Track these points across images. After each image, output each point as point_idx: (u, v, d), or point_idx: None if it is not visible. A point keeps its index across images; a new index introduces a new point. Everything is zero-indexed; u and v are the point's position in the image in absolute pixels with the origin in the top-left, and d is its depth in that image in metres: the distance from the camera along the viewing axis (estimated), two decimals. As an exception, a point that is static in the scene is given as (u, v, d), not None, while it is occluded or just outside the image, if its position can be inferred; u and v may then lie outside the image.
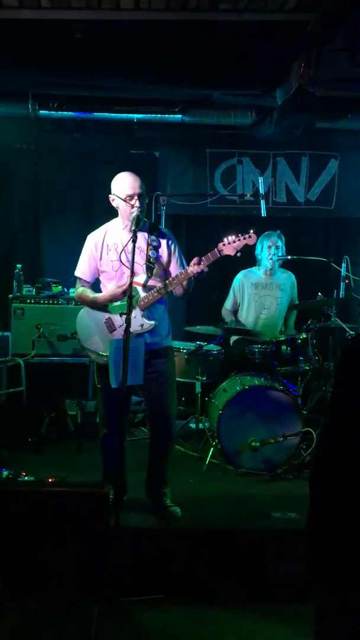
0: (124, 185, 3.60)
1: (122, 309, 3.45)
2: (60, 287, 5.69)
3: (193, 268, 3.46)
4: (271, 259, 5.24)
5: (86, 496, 3.16)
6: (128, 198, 3.57)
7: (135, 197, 3.56)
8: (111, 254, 3.69)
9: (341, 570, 1.42)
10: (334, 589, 1.43)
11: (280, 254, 5.27)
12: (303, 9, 3.63)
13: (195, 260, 3.47)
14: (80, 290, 3.78)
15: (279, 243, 5.26)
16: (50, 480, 3.82)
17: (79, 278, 3.81)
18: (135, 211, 3.53)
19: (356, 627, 1.39)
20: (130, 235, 3.46)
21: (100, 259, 3.72)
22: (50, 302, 5.56)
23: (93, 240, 3.75)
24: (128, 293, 3.29)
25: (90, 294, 3.74)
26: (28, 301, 5.54)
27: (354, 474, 1.42)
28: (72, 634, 2.96)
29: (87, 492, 3.19)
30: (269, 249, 5.23)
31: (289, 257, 5.31)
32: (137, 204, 3.56)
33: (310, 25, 3.79)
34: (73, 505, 3.13)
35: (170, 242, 3.73)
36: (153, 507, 3.75)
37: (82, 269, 3.78)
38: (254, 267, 5.41)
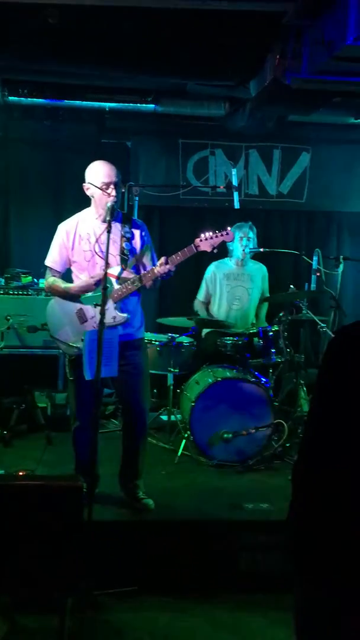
0: (100, 174, 3.54)
1: (96, 300, 3.39)
2: (29, 277, 5.60)
3: (160, 268, 3.43)
4: (243, 250, 5.25)
5: (60, 489, 3.11)
6: (104, 186, 3.51)
7: (112, 186, 3.51)
8: (83, 243, 3.63)
9: (326, 558, 1.42)
10: (318, 578, 1.43)
11: (251, 245, 5.29)
12: (280, 0, 3.61)
13: (162, 259, 3.44)
14: (51, 280, 3.71)
15: (251, 234, 5.28)
16: (20, 473, 3.78)
17: (50, 268, 3.73)
18: (111, 200, 3.48)
19: (341, 615, 1.39)
20: (104, 225, 3.42)
21: (72, 248, 3.65)
22: (20, 292, 5.46)
23: (65, 229, 3.69)
24: (102, 284, 3.24)
25: (61, 283, 3.67)
26: (-3, 292, 5.44)
27: (338, 464, 1.42)
28: (46, 628, 2.93)
29: (60, 485, 3.14)
30: (241, 240, 5.24)
31: (261, 249, 5.33)
32: (114, 192, 3.51)
33: (287, 17, 3.77)
34: (46, 498, 3.08)
35: (143, 233, 3.69)
36: (126, 499, 3.73)
37: (53, 259, 3.71)
38: (225, 258, 5.42)
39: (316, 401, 1.54)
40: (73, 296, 3.63)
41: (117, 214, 3.59)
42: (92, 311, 3.54)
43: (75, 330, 3.63)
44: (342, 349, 1.50)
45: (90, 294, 3.58)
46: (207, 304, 5.48)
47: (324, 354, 1.56)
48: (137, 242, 3.65)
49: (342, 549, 1.41)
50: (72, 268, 3.72)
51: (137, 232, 3.66)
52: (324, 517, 1.44)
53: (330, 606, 1.43)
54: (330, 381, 1.50)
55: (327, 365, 1.52)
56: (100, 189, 3.52)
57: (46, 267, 3.76)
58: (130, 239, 3.62)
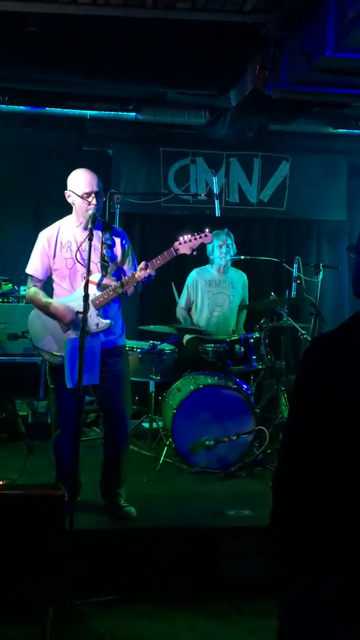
0: (81, 182, 3.54)
1: (77, 309, 3.39)
2: (10, 285, 5.57)
3: (140, 273, 3.44)
4: (224, 257, 5.28)
5: (41, 498, 3.09)
6: (85, 195, 3.51)
7: (93, 195, 3.51)
8: (64, 251, 3.62)
9: (308, 563, 1.43)
10: (301, 583, 1.45)
11: (231, 252, 5.33)
12: (260, 11, 3.65)
13: (142, 264, 3.45)
14: (32, 291, 3.69)
15: (229, 241, 5.34)
16: (1, 482, 3.75)
17: (31, 275, 3.71)
18: (91, 209, 3.48)
19: (326, 620, 1.41)
20: (85, 232, 3.42)
21: (54, 256, 3.64)
22: (0, 300, 5.44)
23: (46, 236, 3.67)
24: (85, 292, 3.23)
25: (42, 297, 3.65)
26: (-23, 299, 5.41)
27: (317, 471, 1.44)
28: (27, 638, 2.90)
29: (41, 494, 3.12)
30: (220, 248, 5.29)
31: (241, 257, 5.37)
32: (94, 201, 3.51)
33: (267, 28, 3.82)
34: (27, 507, 3.07)
35: (124, 241, 3.69)
36: (107, 507, 3.72)
37: (34, 267, 3.69)
38: (207, 265, 5.45)
39: (293, 409, 1.56)
40: (50, 313, 3.60)
41: (98, 221, 3.57)
42: (73, 311, 3.53)
43: (58, 339, 3.61)
44: (316, 357, 1.52)
45: (71, 302, 3.56)
46: (188, 310, 5.50)
47: (299, 363, 1.58)
48: (117, 250, 3.66)
49: (324, 553, 1.43)
50: (53, 276, 3.70)
51: (117, 240, 3.66)
52: (305, 522, 1.46)
53: (313, 612, 1.44)
54: (306, 389, 1.52)
55: (303, 374, 1.55)
56: (82, 197, 3.52)
57: (27, 274, 3.74)
58: (111, 246, 3.61)
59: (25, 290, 5.30)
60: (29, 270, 3.71)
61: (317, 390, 1.47)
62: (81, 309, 3.23)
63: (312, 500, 1.44)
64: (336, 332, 1.51)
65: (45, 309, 3.61)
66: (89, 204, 3.50)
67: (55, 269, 3.66)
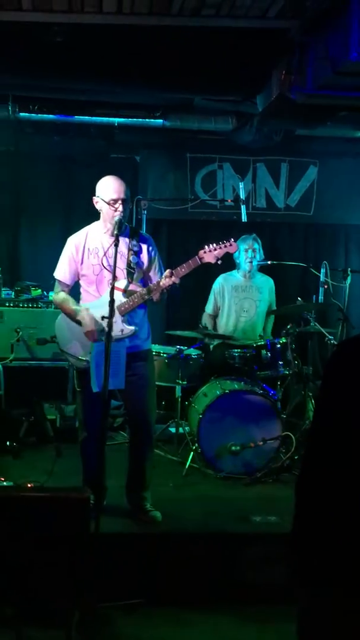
0: (109, 189, 3.58)
1: (103, 314, 3.42)
2: (39, 290, 5.64)
3: (165, 281, 3.46)
4: (250, 261, 5.28)
5: (66, 501, 3.12)
6: (112, 202, 3.55)
7: (119, 202, 3.55)
8: (92, 257, 3.67)
9: (331, 571, 1.43)
10: (321, 590, 1.44)
11: (258, 257, 5.33)
12: (285, 17, 3.66)
13: (167, 272, 3.48)
14: (61, 296, 3.74)
15: (256, 246, 5.33)
16: (29, 485, 3.79)
17: (59, 281, 3.77)
18: (117, 215, 3.52)
19: (344, 626, 1.40)
20: (112, 239, 3.46)
21: (82, 262, 3.69)
22: (30, 305, 5.51)
23: (74, 243, 3.72)
24: (110, 297, 3.25)
25: (72, 305, 3.70)
26: (7, 304, 5.48)
27: (340, 476, 1.44)
28: (52, 640, 2.94)
29: (67, 497, 3.15)
30: (246, 252, 5.29)
31: (268, 262, 5.36)
32: (121, 208, 3.55)
33: (292, 33, 3.82)
34: (53, 510, 3.10)
35: (150, 247, 3.72)
36: (133, 511, 3.73)
37: (62, 272, 3.74)
38: (233, 271, 5.46)
39: (317, 413, 1.55)
40: (77, 321, 3.64)
41: (124, 227, 3.62)
42: (100, 325, 3.57)
43: (84, 343, 3.65)
44: (341, 361, 1.52)
45: (98, 308, 3.58)
46: (215, 316, 5.51)
47: (324, 368, 1.58)
48: (144, 256, 3.69)
49: (346, 560, 1.42)
50: (81, 281, 3.76)
51: (144, 246, 3.69)
52: (328, 529, 1.45)
53: (334, 619, 1.43)
54: (331, 393, 1.51)
55: (328, 379, 1.54)
56: (108, 203, 3.56)
57: (55, 279, 3.79)
58: (137, 253, 3.65)
59: (53, 295, 5.45)
60: (57, 275, 3.76)
61: (342, 394, 1.47)
62: (107, 314, 3.24)
63: (335, 506, 1.44)
64: None
65: (73, 316, 3.66)
66: (116, 210, 3.54)
67: (83, 275, 3.71)
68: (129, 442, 3.89)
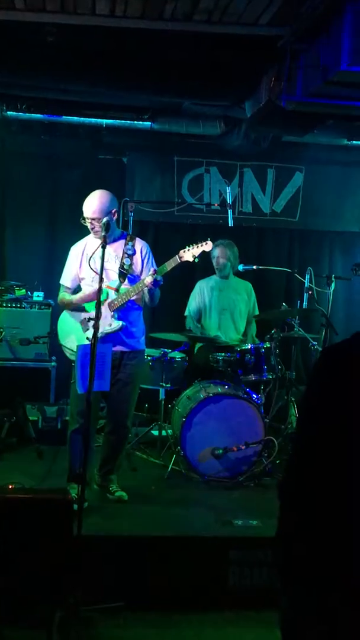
0: (84, 207, 3.85)
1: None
2: (23, 290, 5.62)
3: (148, 278, 3.77)
4: (219, 269, 5.44)
5: (49, 503, 3.12)
6: (87, 219, 3.83)
7: (89, 220, 3.82)
8: (90, 262, 3.91)
9: (316, 574, 1.44)
10: (307, 594, 1.45)
11: (229, 265, 5.43)
12: (276, 24, 3.69)
13: (151, 271, 3.81)
14: (61, 294, 4.11)
15: (228, 253, 5.43)
16: (10, 486, 3.77)
17: (62, 285, 4.12)
18: (93, 230, 3.85)
19: (327, 625, 1.41)
20: (109, 245, 3.79)
21: (80, 267, 4.01)
22: (13, 305, 5.48)
23: (74, 251, 4.08)
24: (97, 298, 3.38)
25: (68, 296, 4.07)
26: (-10, 304, 5.46)
27: (324, 479, 1.45)
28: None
29: (50, 499, 3.15)
30: (217, 259, 5.43)
31: (254, 266, 5.40)
32: (90, 226, 3.83)
33: (283, 40, 3.85)
34: (35, 511, 3.09)
35: (144, 252, 4.01)
36: (102, 491, 4.04)
37: (65, 277, 4.12)
38: (212, 275, 5.60)
39: (301, 418, 1.57)
40: (77, 306, 3.99)
41: (121, 233, 4.01)
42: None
43: (79, 337, 3.92)
44: (324, 367, 1.54)
45: (92, 307, 3.78)
46: (198, 319, 5.56)
47: (309, 374, 1.60)
48: (137, 259, 3.97)
49: (327, 564, 1.43)
50: (81, 285, 4.06)
51: (138, 250, 3.98)
52: (313, 530, 1.46)
53: (318, 623, 1.44)
54: (314, 399, 1.53)
55: (311, 383, 1.56)
56: (85, 219, 3.85)
57: (60, 284, 4.14)
58: (131, 256, 3.93)
59: (38, 296, 5.50)
60: (61, 280, 4.14)
61: (325, 400, 1.49)
62: (100, 315, 3.43)
63: (318, 509, 1.45)
64: (346, 343, 1.52)
65: (71, 303, 4.01)
66: (91, 226, 3.85)
67: (82, 279, 4.04)
68: (105, 432, 4.12)
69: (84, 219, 3.84)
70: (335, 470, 1.43)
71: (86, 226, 3.87)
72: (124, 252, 3.91)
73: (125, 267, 3.89)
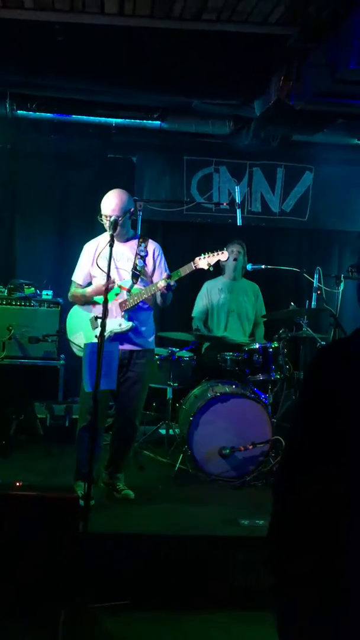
0: (103, 204, 3.86)
1: (111, 300, 3.71)
2: (32, 288, 5.63)
3: (161, 282, 3.79)
4: (235, 259, 5.41)
5: (56, 500, 3.13)
6: (106, 216, 3.83)
7: (105, 217, 3.82)
8: (101, 261, 3.90)
9: (310, 571, 1.44)
10: (301, 591, 1.45)
11: (241, 260, 5.43)
12: (286, 23, 3.68)
13: (165, 275, 3.85)
14: (72, 289, 4.13)
15: (240, 250, 5.47)
16: (18, 484, 3.79)
17: (74, 281, 4.14)
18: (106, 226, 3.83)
19: (322, 624, 1.41)
20: (121, 245, 3.85)
21: (92, 265, 4.01)
22: (22, 303, 5.50)
23: (87, 248, 4.10)
24: (104, 296, 3.39)
25: (79, 290, 4.09)
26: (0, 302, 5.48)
27: (317, 477, 1.45)
28: (39, 639, 2.93)
29: (56, 497, 3.16)
30: (232, 254, 5.39)
31: (262, 266, 5.38)
32: (106, 222, 3.82)
33: (292, 39, 3.84)
34: (42, 509, 3.10)
35: (156, 253, 4.03)
36: (109, 489, 4.04)
37: (77, 274, 4.13)
38: (219, 277, 5.60)
39: (297, 415, 1.56)
40: (89, 300, 4.00)
41: (134, 234, 4.06)
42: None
43: (87, 334, 3.94)
44: (320, 365, 1.54)
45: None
46: (205, 321, 5.56)
47: (306, 370, 1.61)
48: (149, 260, 4.00)
49: (326, 561, 1.43)
50: (93, 283, 4.05)
51: (150, 252, 4.00)
52: (307, 528, 1.46)
53: (312, 618, 1.44)
54: (309, 396, 1.53)
55: (307, 380, 1.56)
56: (103, 217, 3.86)
57: (72, 281, 4.16)
58: (144, 257, 3.97)
59: (47, 294, 5.52)
60: (74, 277, 4.16)
61: (319, 397, 1.49)
62: (107, 313, 3.42)
63: (312, 507, 1.45)
64: (344, 340, 1.52)
65: (83, 297, 4.02)
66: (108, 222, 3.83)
67: (94, 276, 4.04)
68: (113, 430, 4.12)
69: (101, 216, 3.84)
70: (329, 467, 1.43)
71: (101, 224, 3.87)
72: (137, 254, 3.93)
73: (138, 268, 3.91)
